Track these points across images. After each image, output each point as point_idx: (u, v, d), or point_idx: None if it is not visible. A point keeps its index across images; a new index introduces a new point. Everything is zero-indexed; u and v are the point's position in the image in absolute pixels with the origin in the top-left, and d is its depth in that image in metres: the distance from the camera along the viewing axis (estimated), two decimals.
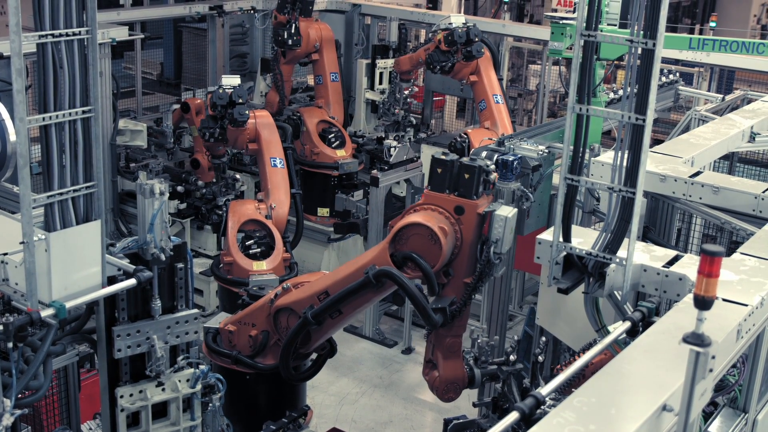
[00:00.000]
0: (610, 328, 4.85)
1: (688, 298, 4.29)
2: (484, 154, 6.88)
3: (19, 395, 4.44)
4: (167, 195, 5.10)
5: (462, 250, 5.90)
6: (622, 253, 4.66)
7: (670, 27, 13.98)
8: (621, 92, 9.61)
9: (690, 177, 5.93)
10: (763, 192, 5.75)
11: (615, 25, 8.58)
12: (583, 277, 4.91)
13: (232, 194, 10.75)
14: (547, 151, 7.81)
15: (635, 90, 4.44)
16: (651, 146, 5.17)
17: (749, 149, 7.90)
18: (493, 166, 5.95)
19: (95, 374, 5.99)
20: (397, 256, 5.97)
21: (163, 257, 5.15)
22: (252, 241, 9.04)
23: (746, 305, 4.26)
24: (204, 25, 14.14)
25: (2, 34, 8.75)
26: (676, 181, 5.93)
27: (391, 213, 10.39)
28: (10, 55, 4.20)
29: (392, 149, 10.33)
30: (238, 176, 11.01)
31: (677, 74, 11.45)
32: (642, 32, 4.38)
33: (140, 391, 5.38)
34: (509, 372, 6.24)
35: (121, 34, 10.87)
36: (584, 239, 4.87)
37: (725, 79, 13.11)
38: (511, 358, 6.28)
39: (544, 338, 6.05)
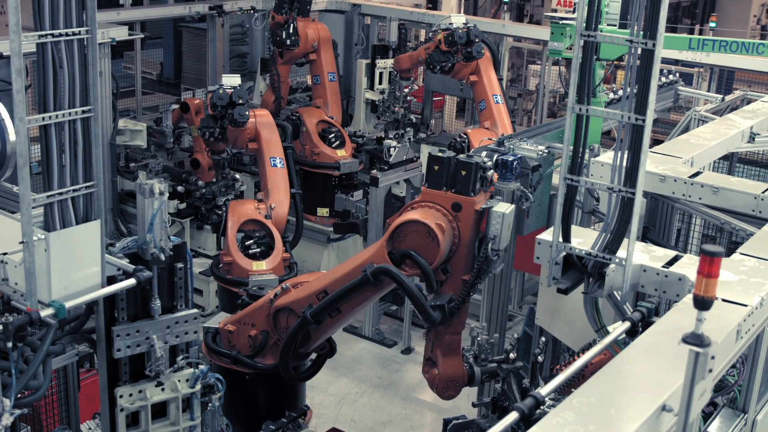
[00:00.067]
0: (610, 328, 4.85)
1: (688, 299, 4.29)
2: (483, 154, 6.88)
3: (19, 395, 4.43)
4: (167, 195, 5.10)
5: (460, 247, 5.90)
6: (621, 253, 4.66)
7: (669, 27, 13.97)
8: (621, 92, 9.64)
9: (690, 177, 5.93)
10: (763, 192, 5.75)
11: (615, 26, 8.59)
12: (582, 277, 4.91)
13: (232, 194, 10.75)
14: (546, 151, 7.82)
15: (635, 90, 4.44)
16: (651, 146, 5.17)
17: (749, 149, 7.90)
18: (489, 163, 5.95)
19: (95, 374, 5.98)
20: (395, 254, 5.98)
21: (162, 257, 5.15)
22: (252, 241, 9.04)
23: (746, 305, 4.26)
24: (204, 25, 14.14)
25: (2, 33, 8.74)
26: (675, 181, 5.93)
27: (390, 213, 10.37)
28: (10, 54, 4.20)
29: (392, 149, 10.34)
30: (237, 176, 11.02)
31: (677, 74, 11.47)
32: (642, 32, 4.38)
33: (140, 391, 5.38)
34: (509, 370, 6.24)
35: (121, 33, 10.87)
36: (584, 239, 4.87)
37: (725, 79, 13.11)
38: (511, 356, 6.28)
39: (543, 338, 6.05)
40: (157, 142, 11.54)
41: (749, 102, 9.03)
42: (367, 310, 10.44)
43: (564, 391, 4.34)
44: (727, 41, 9.30)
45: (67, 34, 4.47)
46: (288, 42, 11.44)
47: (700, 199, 5.88)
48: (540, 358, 5.98)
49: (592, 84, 4.74)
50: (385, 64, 12.98)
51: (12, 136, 5.17)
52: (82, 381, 5.98)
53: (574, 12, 10.88)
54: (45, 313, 4.49)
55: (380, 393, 9.58)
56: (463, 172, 5.82)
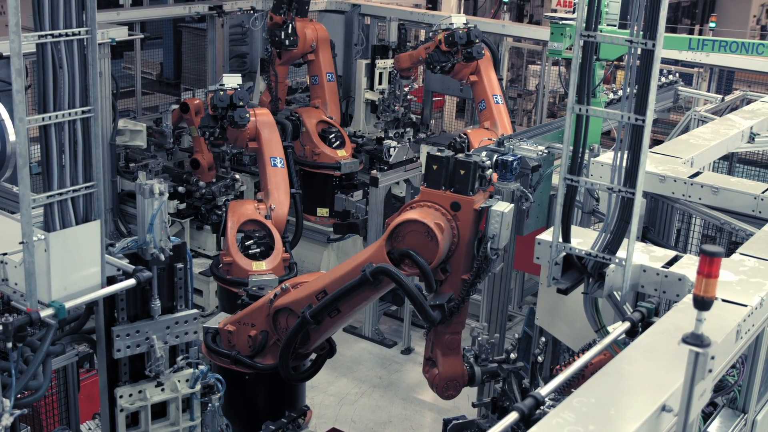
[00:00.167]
0: (610, 328, 4.85)
1: (688, 299, 4.29)
2: (483, 154, 6.88)
3: (19, 395, 4.43)
4: (167, 195, 5.10)
5: (459, 246, 5.90)
6: (621, 253, 4.66)
7: (669, 27, 13.97)
8: (620, 92, 9.65)
9: (689, 177, 5.93)
10: (763, 192, 5.75)
11: (615, 26, 8.59)
12: (582, 277, 4.91)
13: (232, 194, 10.75)
14: (546, 151, 7.82)
15: (635, 90, 4.44)
16: (650, 147, 5.17)
17: (749, 150, 7.90)
18: (488, 162, 5.95)
19: (94, 374, 5.98)
20: (394, 254, 5.98)
21: (162, 257, 5.15)
22: (251, 241, 9.04)
23: (745, 306, 4.26)
24: (204, 25, 14.14)
25: (2, 34, 8.74)
26: (675, 181, 5.93)
27: (390, 213, 10.36)
28: (10, 55, 4.20)
29: (392, 149, 10.34)
30: (237, 176, 11.02)
31: (677, 75, 11.47)
32: (641, 33, 4.38)
33: (139, 391, 5.38)
34: (510, 370, 6.24)
35: (121, 34, 10.87)
36: (584, 239, 4.87)
37: (725, 79, 13.11)
38: (512, 356, 6.28)
39: (543, 338, 6.05)
40: (157, 143, 11.54)
41: (749, 102, 9.03)
42: (366, 310, 10.44)
43: (564, 391, 4.34)
44: (726, 41, 9.30)
45: (67, 35, 4.47)
46: (287, 42, 11.44)
47: (699, 199, 5.88)
48: (540, 359, 5.98)
49: (591, 84, 4.74)
50: (384, 65, 12.98)
51: (12, 137, 5.17)
52: (82, 381, 5.98)
53: (573, 12, 10.88)
54: (45, 313, 4.49)
55: (380, 393, 9.58)
56: (462, 172, 5.81)
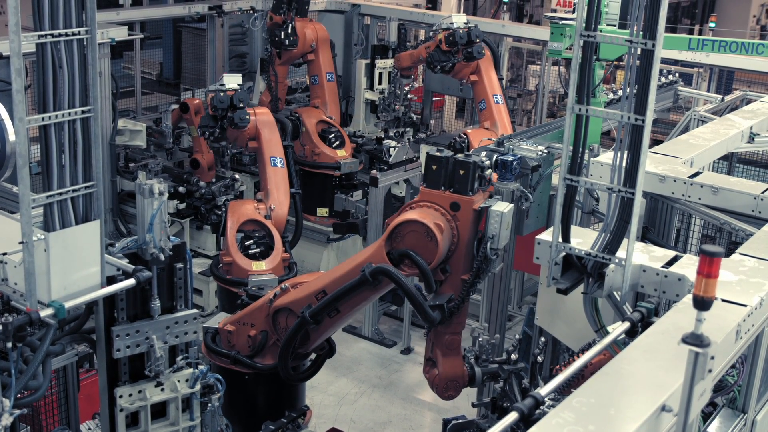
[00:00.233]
0: (609, 328, 4.85)
1: (687, 299, 4.29)
2: (483, 154, 6.88)
3: (18, 395, 4.43)
4: (166, 195, 5.10)
5: (459, 246, 5.90)
6: (621, 253, 4.66)
7: (669, 27, 13.99)
8: (620, 93, 9.65)
9: (689, 177, 5.93)
10: (762, 192, 5.75)
11: (614, 26, 8.59)
12: (582, 277, 4.91)
13: (232, 194, 10.75)
14: (546, 151, 7.82)
15: (634, 90, 4.44)
16: (650, 147, 5.17)
17: (748, 150, 7.90)
18: (487, 162, 5.95)
19: (94, 374, 5.98)
20: (394, 254, 5.98)
21: (162, 257, 5.15)
22: (251, 241, 9.04)
23: (745, 306, 4.26)
24: (203, 25, 14.14)
25: (2, 33, 8.74)
26: (675, 181, 5.93)
27: (390, 213, 10.36)
28: (10, 54, 4.20)
29: (391, 149, 10.34)
30: (237, 176, 11.01)
31: (676, 75, 11.47)
32: (641, 33, 4.38)
33: (139, 391, 5.38)
34: (510, 371, 6.24)
35: (121, 34, 10.87)
36: (583, 239, 4.87)
37: (724, 79, 13.11)
38: (513, 357, 6.28)
39: (543, 338, 6.05)
40: (157, 143, 11.54)
41: (749, 102, 9.03)
42: (366, 310, 10.44)
43: (564, 391, 4.34)
44: (726, 41, 9.30)
45: (66, 35, 4.47)
46: (286, 42, 11.45)
47: (699, 199, 5.88)
48: (539, 359, 5.98)
49: (591, 84, 4.74)
50: (384, 65, 12.98)
51: (12, 136, 5.18)
52: (81, 381, 5.98)
53: (573, 12, 10.89)
54: (44, 313, 4.49)
55: (380, 393, 9.58)
56: (461, 172, 5.81)
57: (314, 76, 11.99)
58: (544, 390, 3.67)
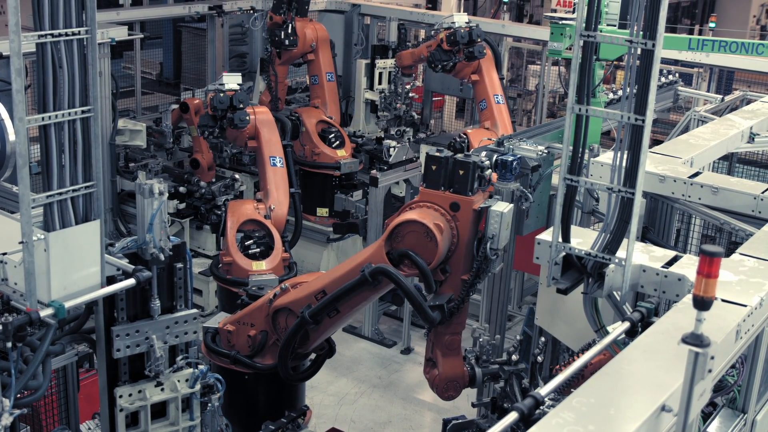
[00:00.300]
0: (609, 328, 4.85)
1: (687, 299, 4.29)
2: (483, 154, 6.88)
3: (18, 395, 4.43)
4: (166, 195, 5.10)
5: (458, 246, 5.90)
6: (621, 253, 4.66)
7: (669, 27, 13.97)
8: (620, 93, 9.65)
9: (689, 177, 5.93)
10: (762, 192, 5.75)
11: (614, 26, 8.60)
12: (582, 277, 4.91)
13: (232, 194, 10.75)
14: (546, 151, 7.82)
15: (634, 90, 4.44)
16: (650, 147, 5.17)
17: (748, 150, 7.90)
18: (487, 162, 5.95)
19: (94, 374, 5.98)
20: (394, 254, 5.98)
21: (162, 257, 5.15)
22: (251, 241, 9.04)
23: (745, 306, 4.26)
24: (203, 24, 14.14)
25: (2, 33, 8.74)
26: (675, 181, 5.93)
27: (390, 213, 10.36)
28: (10, 54, 4.20)
29: (391, 149, 10.34)
30: (237, 176, 11.02)
31: (676, 75, 11.48)
32: (641, 33, 4.38)
33: (139, 391, 5.38)
34: (511, 372, 6.24)
35: (121, 33, 10.87)
36: (583, 239, 4.87)
37: (724, 79, 13.11)
38: (513, 357, 6.28)
39: (543, 338, 6.05)
40: (157, 142, 11.54)
41: (749, 102, 9.03)
42: (366, 310, 10.44)
43: (563, 391, 4.34)
44: (726, 41, 9.30)
45: (66, 34, 4.47)
46: (287, 42, 11.45)
47: (699, 199, 5.88)
48: (539, 359, 5.98)
49: (591, 84, 4.74)
50: (384, 64, 12.98)
51: (12, 136, 5.17)
52: (81, 381, 5.97)
53: (573, 12, 10.89)
54: (44, 313, 4.49)
55: (380, 393, 9.58)
56: (461, 172, 5.81)
57: (314, 76, 11.99)
58: (544, 390, 3.67)
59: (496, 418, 6.19)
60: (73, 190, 4.64)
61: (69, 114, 4.55)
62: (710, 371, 3.30)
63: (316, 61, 11.87)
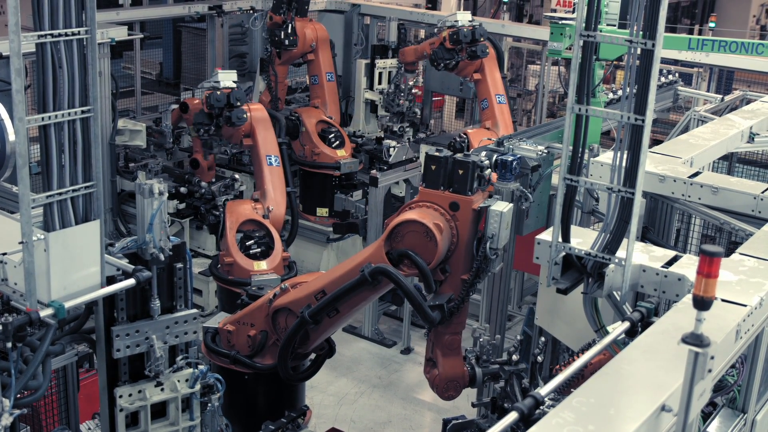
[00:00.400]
0: (609, 328, 4.85)
1: (687, 299, 4.29)
2: (483, 154, 6.88)
3: (18, 395, 4.43)
4: (166, 195, 5.10)
5: (458, 246, 5.90)
6: (621, 253, 4.66)
7: (669, 27, 13.98)
8: (620, 92, 9.66)
9: (689, 177, 5.93)
10: (762, 192, 5.75)
11: (614, 26, 8.60)
12: (582, 277, 4.91)
13: (232, 194, 10.74)
14: (546, 151, 7.82)
15: (634, 90, 4.44)
16: (650, 146, 5.17)
17: (748, 150, 7.91)
18: (486, 162, 5.95)
19: (94, 374, 5.98)
20: (393, 254, 5.97)
21: (162, 257, 5.15)
22: (252, 241, 9.03)
23: (745, 306, 4.26)
24: (203, 24, 14.14)
25: (2, 33, 8.74)
26: (675, 181, 5.93)
27: (390, 213, 10.35)
28: (10, 54, 4.20)
29: (391, 149, 10.34)
30: (237, 176, 11.01)
31: (676, 74, 11.48)
32: (641, 32, 4.38)
33: (139, 391, 5.38)
34: (511, 371, 6.24)
35: (121, 33, 10.87)
36: (583, 239, 4.87)
37: (724, 79, 13.11)
38: (514, 357, 6.28)
39: (543, 338, 6.05)
40: (157, 142, 11.54)
41: (748, 102, 9.03)
42: (366, 310, 10.44)
43: (563, 391, 4.34)
44: (726, 41, 9.30)
45: (66, 34, 4.47)
46: (286, 42, 11.45)
47: (699, 199, 5.88)
48: (539, 359, 5.98)
49: (591, 84, 4.74)
50: (384, 64, 12.98)
51: (11, 136, 5.18)
52: (81, 381, 5.98)
53: (573, 12, 10.89)
54: (44, 313, 4.49)
55: (380, 393, 9.58)
56: (460, 171, 5.81)
57: (314, 76, 11.99)
58: (544, 390, 3.67)
59: (496, 418, 6.19)
60: (73, 190, 4.64)
61: (69, 114, 4.55)
62: (710, 371, 3.30)
63: (316, 61, 11.87)
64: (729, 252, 4.94)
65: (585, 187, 5.06)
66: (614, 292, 4.82)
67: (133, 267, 4.99)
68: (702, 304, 3.20)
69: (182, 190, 10.72)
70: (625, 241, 4.63)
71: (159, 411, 5.52)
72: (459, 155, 5.87)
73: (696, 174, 6.01)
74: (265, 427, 6.87)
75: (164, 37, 16.77)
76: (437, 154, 5.90)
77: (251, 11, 13.59)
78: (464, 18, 10.84)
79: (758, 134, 7.50)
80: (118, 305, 5.18)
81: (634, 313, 4.51)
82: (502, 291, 8.42)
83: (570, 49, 8.67)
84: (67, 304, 4.59)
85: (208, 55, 13.86)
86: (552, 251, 4.85)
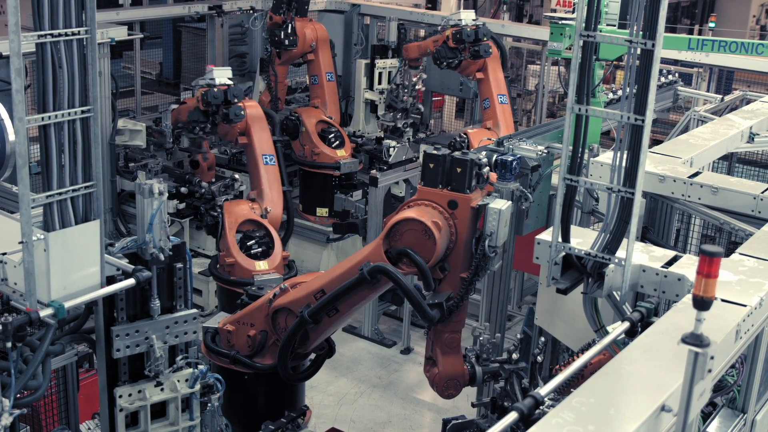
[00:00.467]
0: (609, 328, 4.85)
1: (687, 299, 4.29)
2: (483, 153, 6.89)
3: (18, 395, 4.43)
4: (166, 195, 5.10)
5: (457, 244, 5.90)
6: (621, 253, 4.66)
7: (669, 27, 13.98)
8: (620, 92, 9.66)
9: (689, 177, 5.94)
10: (762, 192, 5.75)
11: (614, 26, 8.60)
12: (582, 277, 4.91)
13: (231, 194, 10.74)
14: (546, 151, 7.82)
15: (634, 90, 4.44)
16: (650, 147, 5.17)
17: (748, 150, 7.91)
18: (485, 160, 5.95)
19: (94, 374, 5.98)
20: (392, 253, 5.97)
21: (162, 257, 5.15)
22: (252, 241, 9.03)
23: (745, 306, 4.26)
24: (203, 24, 14.13)
25: (2, 33, 8.73)
26: (675, 181, 5.93)
27: (389, 213, 10.36)
28: (10, 54, 4.20)
29: (391, 149, 10.34)
30: (237, 176, 11.01)
31: (676, 75, 11.48)
32: (641, 32, 4.38)
33: (139, 391, 5.38)
34: (511, 370, 6.24)
35: (121, 33, 10.86)
36: (583, 239, 4.87)
37: (724, 79, 13.11)
38: (514, 356, 6.28)
39: (542, 338, 6.05)
40: (157, 142, 11.52)
41: (748, 102, 9.03)
42: (366, 309, 10.44)
43: (563, 391, 4.34)
44: (726, 41, 9.30)
45: (66, 34, 4.47)
46: (286, 42, 11.45)
47: (699, 199, 5.88)
48: (539, 358, 5.98)
49: (591, 84, 4.74)
50: (384, 64, 12.97)
51: (11, 136, 5.17)
52: (81, 381, 5.98)
53: (573, 12, 10.89)
54: (44, 313, 4.49)
55: (379, 393, 9.58)
56: (459, 170, 5.81)
57: (314, 76, 11.98)
58: (544, 390, 3.67)
59: (496, 418, 6.19)
60: (73, 190, 4.64)
61: (69, 114, 4.55)
62: (710, 371, 3.30)
63: (316, 61, 11.87)
64: (729, 252, 4.94)
65: (585, 187, 5.06)
66: (614, 292, 4.82)
67: (133, 267, 4.99)
68: (702, 304, 3.20)
69: (182, 190, 10.71)
70: (624, 241, 4.63)
71: (159, 411, 5.52)
72: (457, 153, 5.87)
73: (696, 174, 6.01)
74: (265, 427, 6.87)
75: (164, 37, 16.77)
76: (435, 152, 5.90)
77: (251, 11, 13.58)
78: (468, 17, 10.84)
79: (758, 134, 7.50)
80: (117, 305, 5.18)
81: (633, 313, 4.51)
82: (501, 291, 8.42)
83: (570, 49, 8.67)
84: (67, 304, 4.59)
85: (208, 55, 13.85)
86: (552, 251, 4.85)
